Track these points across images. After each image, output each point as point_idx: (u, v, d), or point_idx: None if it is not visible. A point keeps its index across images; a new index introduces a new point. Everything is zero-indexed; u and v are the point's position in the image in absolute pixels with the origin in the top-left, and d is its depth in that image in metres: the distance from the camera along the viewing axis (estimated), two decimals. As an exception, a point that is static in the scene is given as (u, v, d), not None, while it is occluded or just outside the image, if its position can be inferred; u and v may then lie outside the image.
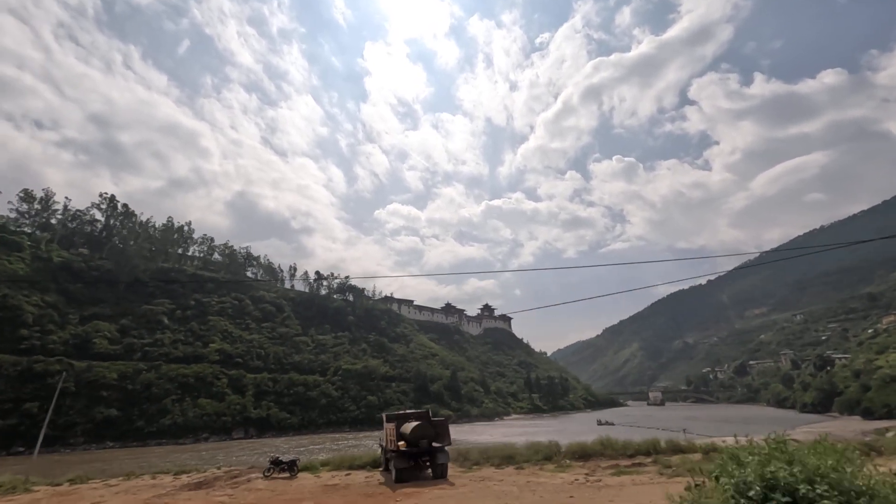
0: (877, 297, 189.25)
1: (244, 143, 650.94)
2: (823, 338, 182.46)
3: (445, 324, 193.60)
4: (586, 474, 11.71)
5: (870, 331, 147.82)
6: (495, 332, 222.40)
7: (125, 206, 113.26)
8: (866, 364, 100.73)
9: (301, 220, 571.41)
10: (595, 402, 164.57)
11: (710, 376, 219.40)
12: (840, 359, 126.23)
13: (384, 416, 18.96)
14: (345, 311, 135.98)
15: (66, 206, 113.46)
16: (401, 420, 17.29)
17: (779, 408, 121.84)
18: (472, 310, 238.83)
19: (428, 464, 14.91)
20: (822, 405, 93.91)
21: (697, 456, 12.30)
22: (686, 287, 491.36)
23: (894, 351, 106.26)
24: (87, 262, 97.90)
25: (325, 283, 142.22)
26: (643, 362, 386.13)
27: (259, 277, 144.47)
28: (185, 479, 14.56)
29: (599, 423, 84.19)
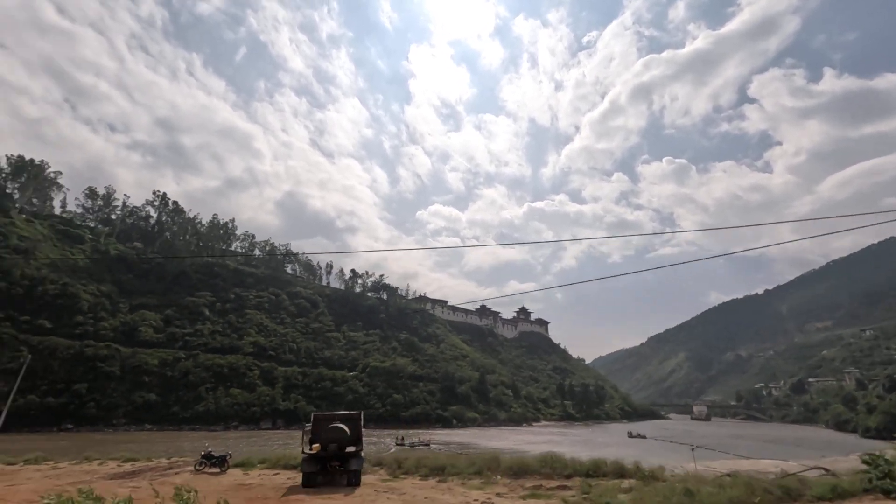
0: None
1: (294, 145, 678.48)
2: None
3: (479, 326, 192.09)
4: (496, 493, 10.60)
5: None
6: (531, 336, 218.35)
7: (175, 203, 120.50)
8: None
9: (346, 219, 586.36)
10: (633, 413, 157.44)
11: (764, 392, 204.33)
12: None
13: (312, 415, 18.03)
14: (378, 309, 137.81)
15: (124, 203, 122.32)
16: (326, 422, 16.62)
17: (838, 430, 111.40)
18: (510, 313, 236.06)
19: (342, 469, 14.30)
20: (888, 430, 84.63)
21: (630, 482, 10.88)
22: (740, 296, 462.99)
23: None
24: (140, 255, 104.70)
25: (359, 280, 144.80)
26: (690, 374, 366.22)
27: (297, 274, 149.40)
28: (127, 466, 14.85)
29: (630, 435, 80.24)
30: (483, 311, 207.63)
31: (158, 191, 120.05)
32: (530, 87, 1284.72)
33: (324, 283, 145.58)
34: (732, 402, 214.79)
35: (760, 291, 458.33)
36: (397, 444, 57.04)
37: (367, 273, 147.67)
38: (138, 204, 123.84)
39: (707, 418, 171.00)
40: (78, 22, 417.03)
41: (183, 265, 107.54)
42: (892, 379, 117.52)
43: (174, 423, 69.79)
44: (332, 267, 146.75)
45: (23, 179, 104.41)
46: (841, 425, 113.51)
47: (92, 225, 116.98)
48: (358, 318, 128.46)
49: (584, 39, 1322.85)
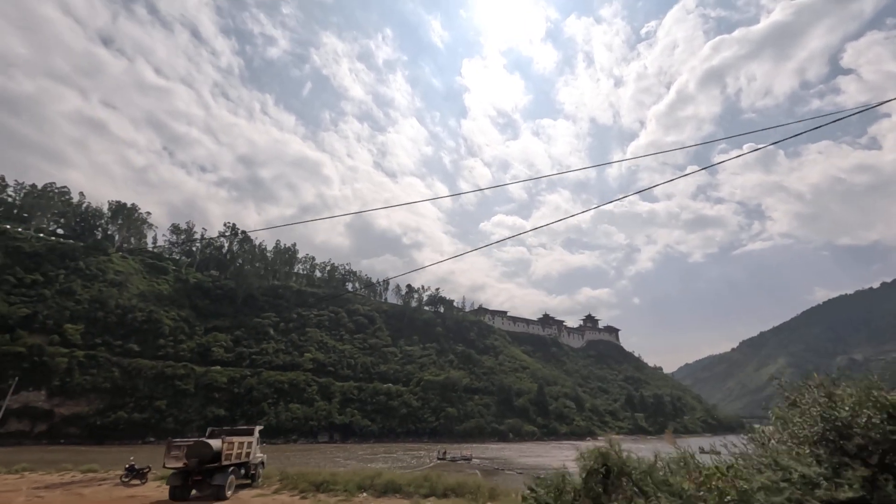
0: None
1: (359, 169, 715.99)
2: None
3: (542, 336, 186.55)
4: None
5: None
6: (599, 345, 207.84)
7: (243, 232, 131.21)
8: None
9: (411, 235, 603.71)
10: (718, 426, 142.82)
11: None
12: None
13: (209, 429, 18.54)
14: (434, 322, 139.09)
15: (202, 236, 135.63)
16: (220, 435, 16.88)
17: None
18: (578, 321, 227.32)
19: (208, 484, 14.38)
20: None
21: (460, 500, 9.68)
22: (850, 292, 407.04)
23: None
24: (215, 282, 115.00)
25: (415, 295, 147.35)
26: (794, 381, 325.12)
27: (358, 291, 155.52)
28: (79, 477, 16.40)
29: (701, 451, 72.74)
30: (546, 320, 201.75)
31: (229, 222, 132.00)
32: (588, 87, 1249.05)
33: (381, 299, 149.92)
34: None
35: (876, 285, 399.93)
36: (439, 459, 56.68)
37: (423, 287, 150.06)
38: (214, 235, 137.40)
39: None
40: (171, 79, 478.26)
41: (251, 289, 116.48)
42: None
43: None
44: (388, 283, 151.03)
45: (120, 221, 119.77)
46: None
47: (177, 257, 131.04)
48: (414, 332, 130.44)
49: (643, 31, 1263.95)
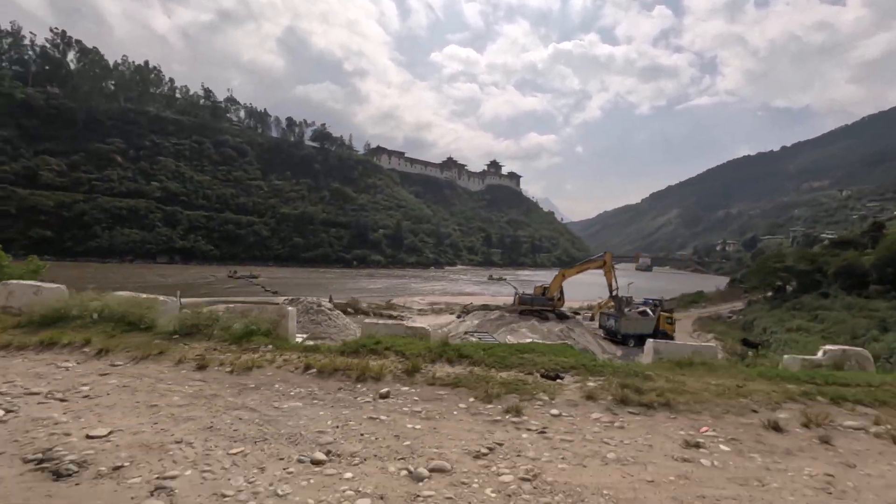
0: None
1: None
2: (854, 217, 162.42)
3: (439, 178, 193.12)
4: None
5: None
6: (497, 190, 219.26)
7: (78, 42, 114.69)
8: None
9: (354, 60, 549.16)
10: (568, 263, 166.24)
11: (717, 248, 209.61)
12: (828, 239, 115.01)
13: None
14: (314, 158, 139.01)
15: (32, 43, 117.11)
16: None
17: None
18: (529, 167, 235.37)
19: None
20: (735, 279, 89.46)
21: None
22: (753, 153, 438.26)
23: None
24: (48, 101, 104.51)
25: (296, 129, 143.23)
26: (677, 229, 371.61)
27: (240, 122, 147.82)
28: None
29: (491, 278, 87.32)
30: (448, 163, 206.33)
31: (57, 28, 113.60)
32: None
33: (259, 131, 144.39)
34: (695, 256, 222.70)
35: (777, 148, 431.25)
36: (229, 276, 65.33)
37: (304, 122, 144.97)
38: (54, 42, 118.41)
39: (648, 269, 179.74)
40: None
41: (96, 111, 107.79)
42: (808, 237, 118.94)
43: (71, 256, 78.78)
44: (266, 113, 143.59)
45: None
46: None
47: (6, 66, 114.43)
48: (289, 167, 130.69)
49: None
